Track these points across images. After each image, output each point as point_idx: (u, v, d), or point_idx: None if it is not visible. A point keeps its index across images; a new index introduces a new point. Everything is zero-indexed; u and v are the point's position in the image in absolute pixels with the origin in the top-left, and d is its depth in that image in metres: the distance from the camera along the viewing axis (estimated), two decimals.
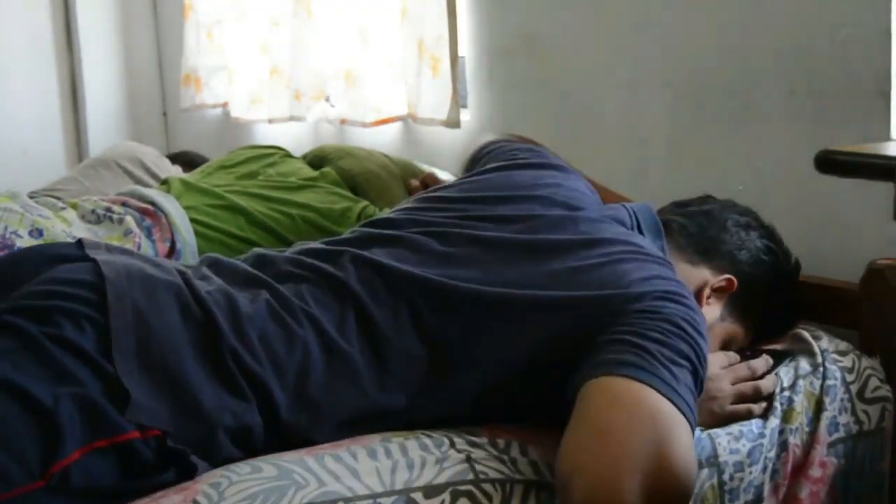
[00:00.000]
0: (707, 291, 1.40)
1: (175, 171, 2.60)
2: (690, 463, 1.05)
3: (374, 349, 1.19)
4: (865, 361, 1.41)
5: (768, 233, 1.51)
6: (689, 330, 1.16)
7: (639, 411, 1.07)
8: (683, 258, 1.41)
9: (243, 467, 1.06)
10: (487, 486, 1.09)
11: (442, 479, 1.09)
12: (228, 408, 1.12)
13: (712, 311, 1.40)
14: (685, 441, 1.06)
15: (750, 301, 1.43)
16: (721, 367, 1.33)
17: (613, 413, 1.07)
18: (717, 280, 1.41)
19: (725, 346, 1.42)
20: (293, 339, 1.17)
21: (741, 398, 1.32)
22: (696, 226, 1.46)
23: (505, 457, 1.14)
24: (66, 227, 1.81)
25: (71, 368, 1.07)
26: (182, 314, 1.15)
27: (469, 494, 1.08)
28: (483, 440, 1.15)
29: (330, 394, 1.16)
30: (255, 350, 1.15)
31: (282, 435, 1.15)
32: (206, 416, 1.10)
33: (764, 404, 1.32)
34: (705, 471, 1.22)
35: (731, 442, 1.25)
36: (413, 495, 1.06)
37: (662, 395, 1.08)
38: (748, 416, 1.30)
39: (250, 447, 1.14)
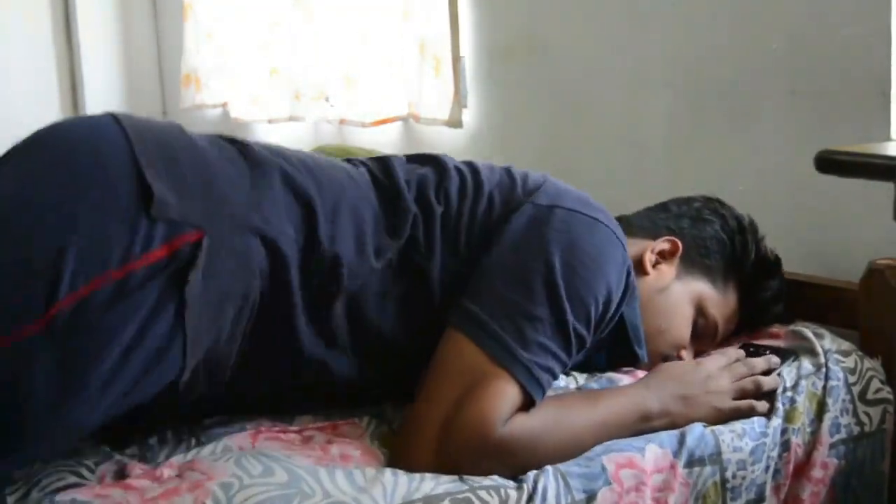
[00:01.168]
0: (650, 256, 1.41)
1: None
2: (482, 414, 1.12)
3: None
4: (867, 363, 1.41)
5: (713, 202, 1.52)
6: (568, 269, 1.22)
7: (452, 368, 1.16)
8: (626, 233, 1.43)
9: (256, 466, 1.06)
10: (483, 493, 1.09)
11: (440, 490, 1.08)
12: (258, 208, 1.14)
13: (663, 274, 1.41)
14: (487, 395, 1.13)
15: (704, 257, 1.44)
16: (719, 366, 1.33)
17: (436, 371, 1.18)
18: (658, 243, 1.43)
19: (699, 306, 1.43)
20: (321, 186, 1.22)
21: (742, 394, 1.32)
22: (636, 213, 1.52)
23: None
24: None
25: (96, 176, 1.07)
26: (210, 145, 1.20)
27: (467, 501, 1.08)
28: None
29: (358, 224, 1.23)
30: (301, 172, 1.21)
31: (308, 280, 1.17)
32: (235, 211, 1.12)
33: (767, 404, 1.32)
34: (708, 468, 1.22)
35: (735, 440, 1.25)
36: None
37: (484, 351, 1.16)
38: (751, 412, 1.30)
39: (273, 293, 1.15)
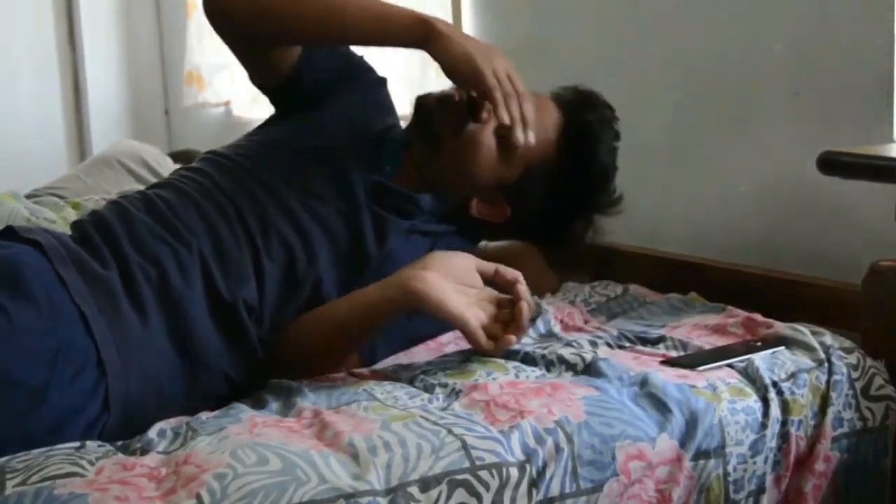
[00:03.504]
0: None
1: None
2: None
3: None
4: (870, 360, 1.41)
5: None
6: None
7: None
8: None
9: (251, 455, 1.06)
10: (483, 473, 1.08)
11: (438, 470, 1.07)
12: None
13: None
14: None
15: None
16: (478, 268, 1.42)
17: None
18: None
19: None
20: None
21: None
22: None
23: (501, 437, 1.13)
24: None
25: None
26: None
27: (466, 484, 1.07)
28: (482, 421, 1.15)
29: None
30: None
31: None
32: None
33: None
34: (712, 461, 1.23)
35: (738, 433, 1.26)
36: (409, 489, 1.05)
37: None
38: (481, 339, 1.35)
39: None
